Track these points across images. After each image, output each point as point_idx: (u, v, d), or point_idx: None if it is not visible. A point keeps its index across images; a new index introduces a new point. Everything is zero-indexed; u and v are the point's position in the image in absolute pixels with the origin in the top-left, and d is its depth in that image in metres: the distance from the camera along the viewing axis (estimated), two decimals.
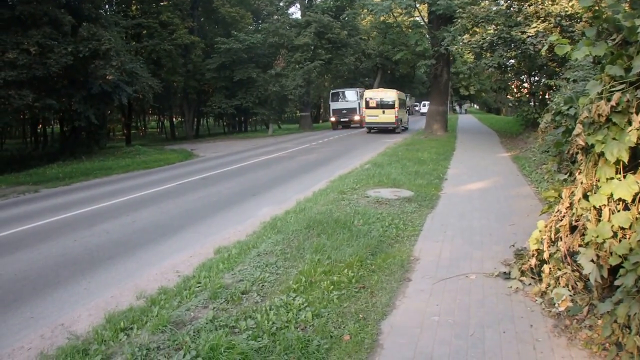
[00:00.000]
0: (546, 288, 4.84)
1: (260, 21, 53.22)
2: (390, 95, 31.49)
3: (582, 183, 4.44)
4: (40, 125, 41.86)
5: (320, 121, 64.37)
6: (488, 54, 20.52)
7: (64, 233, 9.14)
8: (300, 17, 45.66)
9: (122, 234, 8.91)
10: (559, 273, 4.71)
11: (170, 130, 54.81)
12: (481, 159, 16.45)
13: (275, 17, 47.79)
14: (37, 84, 21.08)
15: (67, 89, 22.89)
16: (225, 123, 58.61)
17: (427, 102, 66.73)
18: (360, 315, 4.62)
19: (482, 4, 20.51)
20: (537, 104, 23.65)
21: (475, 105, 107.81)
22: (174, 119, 58.36)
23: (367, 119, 32.43)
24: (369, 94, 33.34)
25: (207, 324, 4.36)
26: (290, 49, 42.83)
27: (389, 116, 30.83)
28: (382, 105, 31.14)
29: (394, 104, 30.92)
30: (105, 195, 13.18)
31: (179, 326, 4.43)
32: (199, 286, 5.49)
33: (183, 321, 4.55)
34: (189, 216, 10.03)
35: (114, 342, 4.31)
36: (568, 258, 4.66)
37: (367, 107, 31.96)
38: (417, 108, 72.56)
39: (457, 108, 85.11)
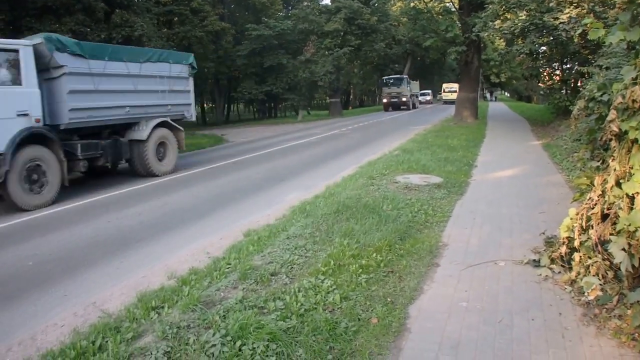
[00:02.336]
0: (576, 276, 4.75)
1: (290, 7, 53.23)
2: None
3: (615, 170, 4.34)
4: None
5: (350, 107, 64.07)
6: (520, 41, 20.10)
7: (97, 215, 9.33)
8: (330, 3, 45.30)
9: (153, 216, 9.06)
10: (590, 261, 4.62)
11: (201, 116, 55.23)
12: (511, 146, 16.19)
13: (305, 3, 47.69)
14: None
15: None
16: (255, 109, 58.92)
17: (427, 91, 68.77)
18: (388, 299, 4.61)
19: None
20: (568, 91, 23.16)
21: (505, 93, 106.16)
22: (204, 105, 58.79)
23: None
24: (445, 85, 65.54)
25: (236, 304, 4.40)
26: (320, 35, 42.70)
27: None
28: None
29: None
30: (136, 178, 13.38)
31: (209, 306, 4.49)
32: (228, 267, 5.54)
33: (213, 301, 4.61)
34: (219, 200, 10.13)
35: (145, 320, 4.38)
36: (599, 246, 4.56)
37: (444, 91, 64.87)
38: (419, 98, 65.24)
39: (488, 95, 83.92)
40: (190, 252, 6.64)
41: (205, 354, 3.65)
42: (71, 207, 10.26)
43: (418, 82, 59.60)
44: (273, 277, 5.11)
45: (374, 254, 5.59)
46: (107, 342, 4.01)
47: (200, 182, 12.36)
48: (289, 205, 8.67)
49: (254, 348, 3.65)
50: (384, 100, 49.96)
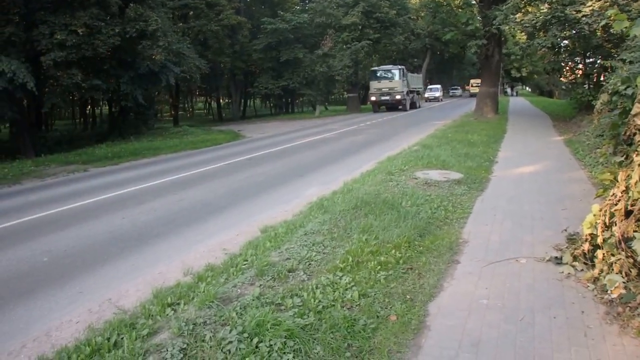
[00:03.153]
0: (599, 274, 4.69)
1: (307, 1, 53.08)
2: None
3: (639, 165, 4.28)
4: (89, 106, 42.98)
5: (368, 102, 63.78)
6: (541, 34, 19.87)
7: (113, 211, 9.41)
8: None
9: (169, 211, 9.11)
10: (613, 259, 4.55)
11: (217, 112, 55.45)
12: (533, 142, 16.04)
13: None
14: (85, 65, 21.64)
15: (115, 70, 23.41)
16: (272, 104, 58.97)
17: (435, 86, 63.22)
18: (407, 296, 4.60)
19: None
20: (591, 86, 22.84)
21: (527, 88, 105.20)
22: (220, 100, 59.00)
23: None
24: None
25: (253, 300, 4.40)
26: (338, 28, 42.57)
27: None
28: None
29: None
30: (153, 174, 13.49)
31: (226, 302, 4.49)
32: (245, 263, 5.55)
33: (229, 297, 4.61)
34: (236, 196, 10.16)
35: (161, 317, 4.39)
36: (622, 243, 4.50)
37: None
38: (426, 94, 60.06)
39: (508, 90, 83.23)
40: (206, 248, 6.68)
41: (221, 350, 3.66)
42: (87, 202, 10.36)
43: (422, 75, 51.59)
44: (290, 274, 5.11)
45: (393, 251, 5.56)
46: (122, 338, 4.03)
47: (217, 178, 12.41)
48: (306, 201, 8.68)
49: (271, 345, 3.65)
50: (372, 98, 40.41)
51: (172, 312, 4.47)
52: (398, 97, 38.45)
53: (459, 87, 79.20)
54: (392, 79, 39.07)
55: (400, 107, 39.45)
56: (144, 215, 8.94)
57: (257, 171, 13.18)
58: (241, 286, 4.88)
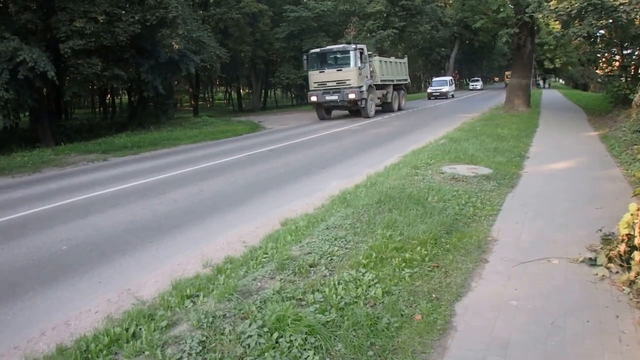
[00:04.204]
0: (635, 277, 4.58)
1: None
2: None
3: None
4: (109, 95, 43.37)
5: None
6: (576, 23, 19.50)
7: (133, 200, 9.52)
8: None
9: (189, 202, 9.18)
10: None
11: (237, 102, 55.60)
12: (566, 137, 15.81)
13: None
14: (105, 53, 21.78)
15: (135, 58, 23.54)
16: (293, 95, 58.91)
17: (443, 79, 50.73)
18: (433, 295, 4.55)
19: None
20: (629, 79, 22.41)
21: (560, 80, 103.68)
22: (241, 90, 59.12)
23: None
24: None
25: (273, 294, 4.40)
26: (362, 16, 42.40)
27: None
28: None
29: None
30: (173, 164, 13.61)
31: (245, 295, 4.50)
32: (265, 257, 5.56)
33: (249, 291, 4.62)
34: (256, 187, 10.19)
35: (180, 309, 4.42)
36: None
37: None
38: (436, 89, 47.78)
39: (541, 82, 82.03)
40: (226, 240, 6.72)
41: (241, 344, 3.67)
42: (106, 192, 10.50)
43: (405, 60, 35.04)
44: (312, 269, 5.10)
45: (419, 248, 5.52)
46: (140, 329, 4.07)
47: (237, 169, 12.48)
48: (328, 195, 8.67)
49: (292, 341, 3.65)
50: (312, 99, 26.42)
51: (191, 304, 4.49)
52: (352, 95, 24.54)
53: (479, 79, 71.34)
54: (344, 67, 25.25)
55: (355, 110, 26.95)
56: (164, 205, 9.02)
57: (278, 163, 13.22)
58: (261, 279, 4.89)
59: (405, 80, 34.14)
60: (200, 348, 3.68)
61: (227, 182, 10.89)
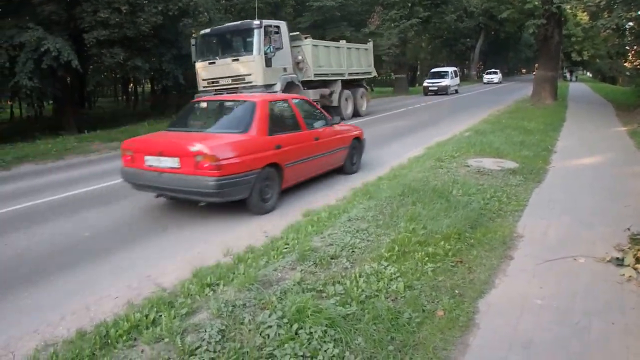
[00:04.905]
0: None
1: None
2: None
3: None
4: (132, 84, 43.66)
5: (417, 84, 62.66)
6: (605, 14, 19.15)
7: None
8: None
9: None
10: None
11: None
12: (594, 131, 15.59)
13: None
14: (128, 44, 21.92)
15: (158, 48, 23.73)
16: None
17: (446, 69, 42.58)
18: (456, 291, 4.51)
19: None
20: None
21: (587, 73, 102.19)
22: None
23: None
24: None
25: (294, 285, 4.40)
26: (386, 6, 41.96)
27: None
28: None
29: None
30: None
31: (266, 286, 4.50)
32: (286, 247, 5.55)
33: (270, 281, 4.62)
34: None
35: (200, 297, 4.43)
36: None
37: None
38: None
39: (568, 75, 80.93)
40: (247, 230, 6.74)
41: (260, 334, 3.67)
42: None
43: (369, 46, 25.93)
44: (333, 260, 5.08)
45: (442, 242, 5.47)
46: (160, 316, 4.08)
47: None
48: (350, 187, 8.64)
49: (311, 332, 3.64)
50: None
51: (212, 292, 4.50)
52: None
53: (497, 71, 60.80)
54: (242, 54, 17.25)
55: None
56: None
57: None
58: (282, 270, 4.89)
59: (369, 73, 25.02)
60: (220, 337, 3.68)
61: None
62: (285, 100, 8.95)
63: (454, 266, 5.03)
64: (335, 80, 21.18)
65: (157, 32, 22.91)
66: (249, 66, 16.70)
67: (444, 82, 39.13)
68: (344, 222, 6.24)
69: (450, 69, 42.22)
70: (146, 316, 4.10)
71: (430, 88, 39.19)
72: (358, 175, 9.93)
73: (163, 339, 3.72)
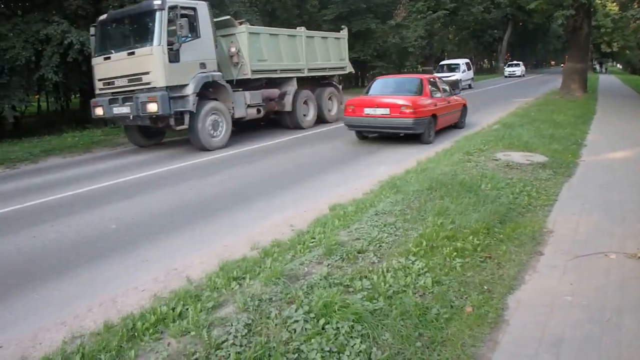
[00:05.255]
0: None
1: None
2: None
3: None
4: None
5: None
6: (635, 5, 18.75)
7: (180, 181, 9.71)
8: None
9: (236, 184, 9.29)
10: None
11: None
12: (625, 125, 15.24)
13: None
14: None
15: None
16: (340, 77, 58.56)
17: (458, 61, 38.54)
18: (485, 287, 4.46)
19: None
20: None
21: (617, 65, 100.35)
22: None
23: None
24: None
25: (320, 280, 4.40)
26: None
27: None
28: None
29: None
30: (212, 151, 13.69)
31: (292, 280, 4.50)
32: (313, 241, 5.55)
33: (296, 275, 4.63)
34: (303, 171, 10.23)
35: (226, 290, 4.45)
36: None
37: None
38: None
39: (597, 67, 79.52)
40: (273, 223, 6.75)
41: (286, 329, 3.67)
42: (154, 172, 10.74)
43: (343, 35, 21.50)
44: (360, 255, 5.06)
45: (470, 237, 5.41)
46: (187, 309, 4.11)
47: (284, 153, 12.61)
48: (377, 180, 8.60)
49: (338, 328, 3.63)
50: (97, 111, 13.74)
51: (238, 286, 4.52)
52: (152, 106, 12.20)
53: (519, 63, 57.02)
54: (139, 46, 12.86)
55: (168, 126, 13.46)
56: (211, 187, 9.16)
57: (324, 147, 13.27)
58: (308, 264, 4.89)
59: (342, 69, 20.73)
60: (246, 331, 3.69)
61: (274, 165, 10.99)
62: (433, 79, 14.70)
63: (482, 261, 4.98)
64: (289, 79, 17.06)
65: None
66: (146, 62, 12.47)
67: (455, 76, 33.86)
68: (371, 216, 6.22)
69: (462, 61, 38.27)
70: (173, 309, 4.12)
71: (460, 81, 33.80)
72: (386, 168, 9.87)
73: (189, 332, 3.74)
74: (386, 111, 12.35)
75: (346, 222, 6.14)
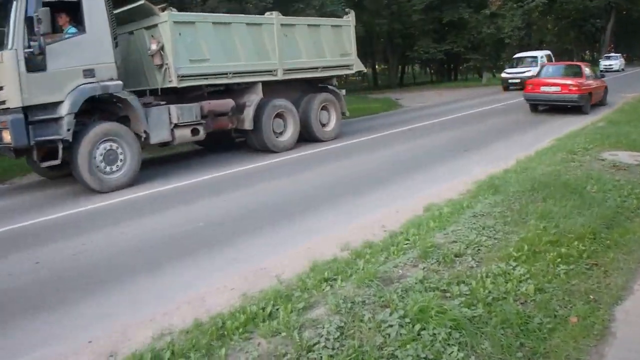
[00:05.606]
0: None
1: None
2: None
3: None
4: None
5: None
6: None
7: (269, 179, 9.95)
8: None
9: (325, 183, 9.37)
10: None
11: (372, 78, 55.34)
12: None
13: None
14: None
15: None
16: (432, 71, 57.64)
17: (537, 54, 32.43)
18: (591, 296, 4.24)
19: None
20: None
21: None
22: (376, 66, 58.74)
23: None
24: None
25: (416, 284, 4.32)
26: None
27: None
28: None
29: None
30: (304, 143, 13.85)
31: (386, 283, 4.46)
32: (407, 243, 5.47)
33: (390, 278, 4.57)
34: (394, 169, 10.15)
35: (317, 291, 4.46)
36: None
37: None
38: None
39: None
40: (363, 224, 6.69)
41: (380, 333, 3.64)
42: (245, 168, 11.06)
43: (347, 21, 15.33)
44: (457, 259, 4.96)
45: (575, 242, 5.17)
46: (277, 309, 4.14)
47: (374, 150, 12.52)
48: (472, 179, 8.37)
49: (435, 334, 3.56)
50: None
51: (329, 287, 4.52)
52: (6, 136, 8.95)
53: (617, 56, 49.88)
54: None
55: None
56: (302, 184, 9.29)
57: (417, 144, 13.09)
58: (403, 267, 4.83)
59: (346, 67, 15.53)
60: (338, 334, 3.68)
61: (364, 163, 10.96)
62: (587, 65, 19.36)
63: (588, 269, 4.75)
64: (251, 85, 12.73)
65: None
66: None
67: (531, 71, 27.41)
68: (469, 218, 6.09)
69: (540, 54, 32.12)
70: (263, 309, 4.16)
71: (510, 81, 29.08)
72: (483, 167, 9.56)
73: (280, 333, 3.77)
74: (557, 89, 16.83)
75: (442, 223, 6.03)
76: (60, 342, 4.22)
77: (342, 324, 3.78)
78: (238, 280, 5.14)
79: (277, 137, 12.97)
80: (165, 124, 10.78)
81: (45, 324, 4.61)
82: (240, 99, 12.48)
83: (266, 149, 12.78)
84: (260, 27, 12.56)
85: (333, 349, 3.52)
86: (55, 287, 5.44)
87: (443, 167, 10.04)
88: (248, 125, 12.26)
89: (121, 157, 9.86)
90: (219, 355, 3.57)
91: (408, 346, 3.46)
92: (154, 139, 10.66)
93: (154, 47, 10.85)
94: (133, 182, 10.00)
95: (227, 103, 12.09)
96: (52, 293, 5.28)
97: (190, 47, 11.13)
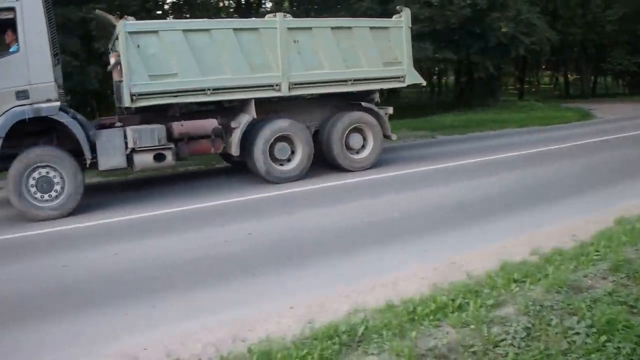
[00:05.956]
0: None
1: None
2: None
3: None
4: (435, 76, 45.11)
5: None
6: None
7: (459, 179, 10.12)
8: None
9: (516, 186, 9.43)
10: None
11: (564, 87, 52.57)
12: None
13: None
14: (436, 36, 22.85)
15: (465, 41, 24.36)
16: (624, 83, 53.15)
17: None
18: None
19: None
20: None
21: None
22: (568, 76, 55.64)
23: None
24: None
25: (604, 295, 4.21)
26: None
27: None
28: None
29: None
30: (497, 147, 13.76)
31: (575, 291, 4.38)
32: (597, 255, 5.29)
33: (579, 287, 4.48)
34: (586, 179, 9.82)
35: (505, 291, 4.50)
36: None
37: None
38: None
39: None
40: (553, 231, 6.57)
41: (566, 339, 3.63)
42: (432, 168, 11.36)
43: (402, 20, 11.69)
44: None
45: None
46: (467, 303, 4.26)
47: (564, 158, 12.17)
48: None
49: (619, 347, 3.49)
50: None
51: (518, 288, 4.54)
52: None
53: None
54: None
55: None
56: (490, 187, 9.41)
57: (612, 155, 12.40)
58: (592, 278, 4.70)
59: (394, 79, 11.99)
60: (525, 334, 3.73)
61: (556, 170, 10.76)
62: None
63: None
64: (246, 102, 10.42)
65: (465, 25, 23.48)
66: None
67: None
68: None
69: None
70: (452, 300, 4.31)
71: None
72: None
73: (469, 325, 3.89)
74: None
75: (634, 238, 5.72)
76: (265, 303, 4.84)
77: (530, 325, 3.82)
78: (428, 271, 5.36)
79: (279, 166, 10.55)
80: (118, 148, 9.25)
81: (255, 285, 5.36)
82: (224, 119, 10.35)
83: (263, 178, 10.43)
84: (257, 33, 10.27)
85: (519, 347, 3.58)
86: (266, 256, 6.27)
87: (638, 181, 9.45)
88: (234, 150, 10.15)
89: (56, 188, 8.64)
90: (410, 337, 3.76)
91: (592, 355, 3.43)
92: (104, 165, 9.25)
93: (112, 60, 9.69)
94: (70, 212, 8.66)
95: (207, 124, 10.12)
96: (262, 261, 6.10)
97: (150, 60, 9.38)
